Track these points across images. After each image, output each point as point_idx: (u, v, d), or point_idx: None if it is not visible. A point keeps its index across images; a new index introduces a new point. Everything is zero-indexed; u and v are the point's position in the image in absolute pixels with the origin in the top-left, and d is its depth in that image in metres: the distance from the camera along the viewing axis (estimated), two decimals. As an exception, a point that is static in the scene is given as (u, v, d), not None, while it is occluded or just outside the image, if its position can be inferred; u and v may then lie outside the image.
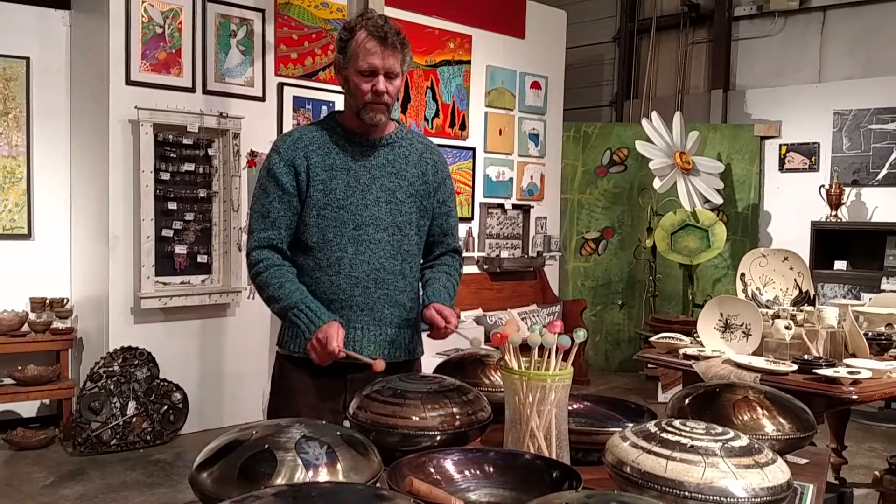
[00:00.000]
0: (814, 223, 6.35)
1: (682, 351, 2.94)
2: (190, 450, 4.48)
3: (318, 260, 2.03)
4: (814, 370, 2.58)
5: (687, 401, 1.74)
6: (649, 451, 1.28)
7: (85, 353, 4.85)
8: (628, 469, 1.28)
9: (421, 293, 2.14)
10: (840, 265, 6.16)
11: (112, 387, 4.39)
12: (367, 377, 1.97)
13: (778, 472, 1.26)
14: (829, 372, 2.54)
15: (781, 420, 1.64)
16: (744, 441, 1.31)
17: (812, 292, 3.27)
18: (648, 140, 6.38)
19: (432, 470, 1.39)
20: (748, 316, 2.89)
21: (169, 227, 4.69)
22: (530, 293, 6.61)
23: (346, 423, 1.75)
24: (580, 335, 1.52)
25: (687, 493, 1.21)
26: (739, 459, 1.25)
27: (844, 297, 5.68)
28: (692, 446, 1.27)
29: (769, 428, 1.62)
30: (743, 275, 3.34)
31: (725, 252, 6.69)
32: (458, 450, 1.47)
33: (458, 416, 1.60)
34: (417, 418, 1.56)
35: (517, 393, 1.52)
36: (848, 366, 2.62)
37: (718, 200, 6.50)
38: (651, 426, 1.36)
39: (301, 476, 1.21)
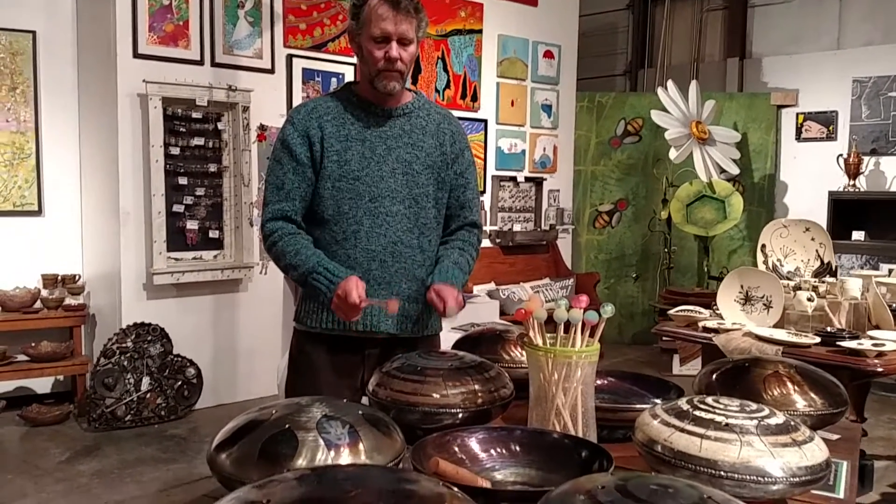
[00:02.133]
0: (831, 193, 6.24)
1: (701, 324, 2.90)
2: (204, 425, 4.48)
3: (334, 233, 1.99)
4: (837, 342, 2.54)
5: (714, 376, 1.70)
6: (682, 430, 1.23)
7: (98, 330, 4.85)
8: (660, 448, 1.24)
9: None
10: (858, 235, 6.07)
11: (126, 363, 4.39)
12: (384, 353, 1.95)
13: (816, 451, 1.22)
14: (852, 344, 2.50)
15: (813, 395, 1.60)
16: (780, 418, 1.26)
17: (834, 263, 3.21)
18: (664, 109, 6.27)
19: (456, 449, 1.36)
20: (769, 288, 2.84)
21: (180, 203, 4.65)
22: (543, 267, 6.57)
23: (365, 400, 1.71)
24: (608, 311, 1.48)
25: (722, 473, 1.17)
26: (776, 437, 1.21)
27: (863, 268, 5.60)
28: (727, 424, 1.23)
29: (800, 404, 1.58)
30: (763, 246, 3.27)
31: (741, 223, 6.61)
32: (482, 428, 1.43)
33: (480, 394, 1.56)
34: (438, 395, 1.53)
35: (542, 370, 1.48)
36: (872, 338, 2.58)
37: (735, 170, 6.40)
38: (683, 403, 1.32)
39: (323, 456, 1.18)
